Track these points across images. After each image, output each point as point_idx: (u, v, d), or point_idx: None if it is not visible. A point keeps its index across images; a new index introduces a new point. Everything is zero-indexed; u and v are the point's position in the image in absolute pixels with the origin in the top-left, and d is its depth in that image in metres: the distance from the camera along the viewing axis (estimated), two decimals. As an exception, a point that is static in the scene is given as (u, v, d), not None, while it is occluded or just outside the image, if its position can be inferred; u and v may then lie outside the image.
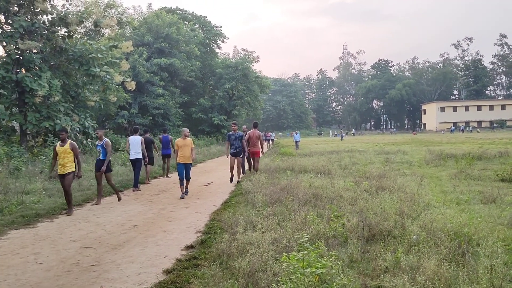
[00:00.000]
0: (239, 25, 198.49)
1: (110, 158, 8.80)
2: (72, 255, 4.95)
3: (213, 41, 42.63)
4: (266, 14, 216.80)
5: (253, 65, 38.16)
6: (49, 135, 14.89)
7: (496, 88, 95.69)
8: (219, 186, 10.85)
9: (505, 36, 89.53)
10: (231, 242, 4.76)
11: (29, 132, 15.25)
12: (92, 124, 17.21)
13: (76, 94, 16.86)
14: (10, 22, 14.29)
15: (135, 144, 10.60)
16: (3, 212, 7.20)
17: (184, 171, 9.10)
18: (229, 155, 11.11)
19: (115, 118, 27.84)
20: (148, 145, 11.58)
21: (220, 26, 43.31)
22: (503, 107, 74.92)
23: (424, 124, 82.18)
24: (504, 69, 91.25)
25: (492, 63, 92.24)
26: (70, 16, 15.38)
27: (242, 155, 11.44)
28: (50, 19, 15.37)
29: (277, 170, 12.08)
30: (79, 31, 18.85)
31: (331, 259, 3.52)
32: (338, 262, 3.58)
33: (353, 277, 3.73)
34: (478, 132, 57.04)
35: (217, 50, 44.17)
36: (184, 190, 9.19)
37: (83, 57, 15.33)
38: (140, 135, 11.73)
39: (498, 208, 6.52)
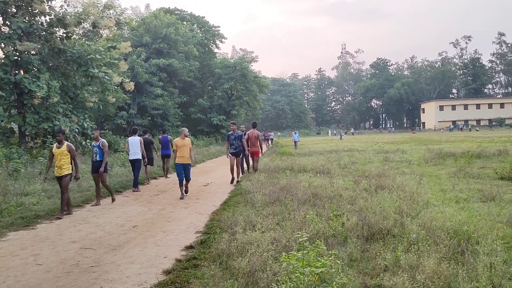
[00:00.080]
0: (238, 25, 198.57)
1: (107, 159, 8.78)
2: (72, 256, 4.95)
3: (211, 41, 42.63)
4: (264, 14, 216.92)
5: (251, 65, 38.17)
6: (48, 136, 14.87)
7: (494, 87, 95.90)
8: (218, 186, 10.85)
9: (504, 35, 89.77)
10: (230, 242, 4.76)
11: (28, 134, 15.23)
12: (91, 125, 17.19)
13: (75, 95, 16.83)
14: (8, 23, 14.27)
15: (134, 145, 10.61)
16: (2, 213, 7.19)
17: (183, 171, 9.05)
18: (229, 155, 11.09)
19: (114, 119, 27.82)
20: (147, 146, 11.59)
21: (219, 26, 43.33)
22: (502, 105, 75.03)
23: (423, 123, 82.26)
24: (502, 68, 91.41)
25: (491, 61, 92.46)
26: (68, 17, 15.35)
27: (242, 154, 11.44)
28: (48, 20, 15.34)
29: (276, 170, 12.09)
30: (77, 32, 18.81)
31: (330, 258, 3.52)
32: (338, 261, 3.58)
33: (353, 276, 3.73)
34: (477, 130, 57.14)
35: (216, 50, 44.22)
36: (183, 191, 9.17)
37: (81, 58, 15.31)
38: (140, 135, 11.74)
39: (497, 206, 6.53)
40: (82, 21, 16.26)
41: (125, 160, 14.11)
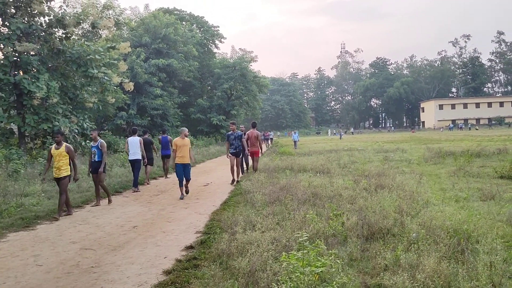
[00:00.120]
0: (237, 25, 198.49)
1: (106, 160, 8.76)
2: (72, 257, 4.95)
3: (210, 41, 42.63)
4: (264, 14, 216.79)
5: (251, 65, 38.18)
6: (48, 137, 14.87)
7: (494, 85, 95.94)
8: (218, 186, 10.85)
9: (503, 33, 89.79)
10: (230, 242, 4.76)
11: (27, 134, 15.22)
12: (91, 126, 17.18)
13: (74, 95, 16.83)
14: (7, 24, 14.26)
15: (134, 145, 10.62)
16: (2, 214, 7.19)
17: (183, 171, 9.03)
18: (229, 155, 11.05)
19: (113, 119, 27.82)
20: (147, 146, 11.60)
21: (218, 26, 43.34)
22: (501, 104, 75.04)
23: (423, 122, 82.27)
24: (502, 66, 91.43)
25: (490, 60, 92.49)
26: (68, 17, 15.33)
27: (242, 154, 11.42)
28: (48, 21, 15.33)
29: (276, 170, 12.10)
30: (76, 32, 18.83)
31: (330, 258, 3.52)
32: (338, 261, 3.59)
33: (353, 276, 3.73)
34: (476, 129, 57.16)
35: (215, 50, 44.26)
36: (183, 191, 9.16)
37: (81, 58, 15.30)
38: (139, 136, 11.75)
39: (497, 205, 6.53)
40: (81, 21, 16.24)
41: (125, 161, 14.11)
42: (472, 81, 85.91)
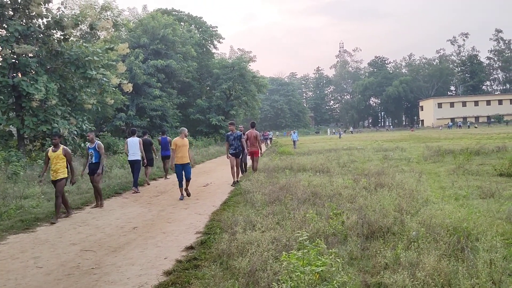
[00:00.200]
0: (236, 25, 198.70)
1: (105, 161, 8.73)
2: (72, 259, 4.95)
3: (209, 42, 42.62)
4: (263, 13, 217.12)
5: (250, 65, 38.18)
6: (47, 139, 14.85)
7: (492, 83, 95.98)
8: (218, 187, 10.84)
9: (501, 31, 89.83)
10: (231, 242, 4.77)
11: (26, 137, 15.20)
12: (90, 127, 17.18)
13: (73, 97, 16.81)
14: (5, 26, 14.23)
15: (134, 146, 10.63)
16: (2, 216, 7.18)
17: (183, 171, 8.99)
18: (229, 155, 10.98)
19: (112, 121, 27.80)
20: (147, 147, 11.60)
21: (216, 27, 43.33)
22: (500, 102, 75.13)
23: (422, 121, 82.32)
24: (500, 64, 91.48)
25: (488, 58, 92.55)
26: (66, 19, 15.32)
27: (242, 155, 11.39)
28: (46, 23, 15.31)
29: (275, 169, 12.10)
30: (74, 34, 18.79)
31: (331, 257, 3.52)
32: (338, 260, 3.59)
33: (353, 274, 3.73)
34: (475, 127, 57.20)
35: (214, 50, 44.23)
36: (183, 191, 9.12)
37: (79, 60, 15.29)
38: (139, 136, 11.76)
39: (497, 202, 6.54)
40: (79, 23, 16.22)
41: (125, 162, 14.10)
42: (470, 79, 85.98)
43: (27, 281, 4.24)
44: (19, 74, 14.69)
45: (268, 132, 40.80)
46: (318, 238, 4.42)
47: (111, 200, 9.30)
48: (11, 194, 8.89)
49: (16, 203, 8.05)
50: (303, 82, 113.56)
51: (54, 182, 7.33)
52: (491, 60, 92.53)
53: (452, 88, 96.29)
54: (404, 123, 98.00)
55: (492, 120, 69.57)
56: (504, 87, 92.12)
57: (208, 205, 8.16)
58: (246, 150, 11.39)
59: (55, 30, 15.52)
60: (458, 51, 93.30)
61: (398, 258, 3.95)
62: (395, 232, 4.91)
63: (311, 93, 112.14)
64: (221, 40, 43.01)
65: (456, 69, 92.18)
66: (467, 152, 13.94)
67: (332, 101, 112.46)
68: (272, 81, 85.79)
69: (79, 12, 17.31)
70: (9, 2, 14.34)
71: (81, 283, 4.13)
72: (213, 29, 42.74)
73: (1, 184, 9.69)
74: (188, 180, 9.12)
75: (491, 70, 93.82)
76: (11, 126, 15.09)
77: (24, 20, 14.77)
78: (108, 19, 20.88)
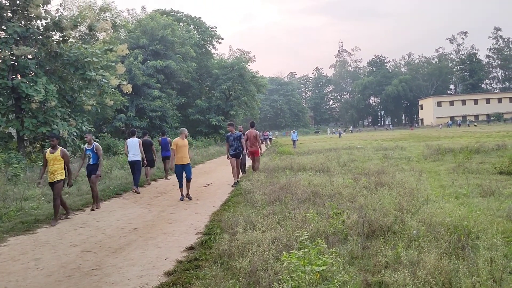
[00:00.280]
0: (236, 25, 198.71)
1: (103, 162, 8.71)
2: (73, 260, 4.95)
3: (208, 42, 42.62)
4: (263, 13, 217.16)
5: (249, 65, 38.20)
6: (47, 140, 14.84)
7: (492, 82, 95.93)
8: (218, 187, 10.84)
9: (500, 29, 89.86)
10: (231, 242, 4.77)
11: (26, 138, 15.20)
12: (90, 129, 17.17)
13: (73, 98, 16.80)
14: (4, 28, 14.23)
15: (133, 147, 10.63)
16: (2, 219, 7.18)
17: (184, 172, 8.96)
18: (229, 156, 10.92)
19: (112, 122, 27.79)
20: (147, 147, 11.61)
21: (215, 27, 43.33)
22: (500, 100, 75.12)
23: (422, 120, 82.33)
24: (499, 62, 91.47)
25: (488, 56, 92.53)
26: (64, 20, 15.31)
27: (242, 155, 11.37)
28: (44, 24, 15.31)
29: (275, 169, 12.09)
30: (73, 35, 18.76)
31: (331, 256, 3.52)
32: (339, 259, 3.59)
33: (354, 274, 3.74)
34: (475, 125, 57.22)
35: (213, 51, 44.22)
36: (183, 192, 9.10)
37: (78, 61, 15.28)
38: (139, 137, 11.78)
39: (497, 200, 6.55)
40: (78, 24, 16.22)
41: (124, 163, 14.10)
42: (470, 78, 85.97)
43: (28, 283, 4.24)
44: (18, 76, 14.69)
45: (268, 132, 40.79)
46: (318, 237, 4.42)
47: (112, 201, 9.30)
48: (11, 196, 8.88)
49: (17, 205, 8.05)
50: (303, 81, 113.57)
51: (52, 184, 7.22)
52: (490, 58, 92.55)
53: (452, 86, 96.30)
54: (403, 122, 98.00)
55: (491, 118, 69.58)
56: (504, 85, 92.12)
57: (209, 205, 8.16)
58: (245, 151, 11.35)
59: (54, 31, 15.51)
60: (457, 49, 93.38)
61: (398, 257, 3.95)
62: (395, 231, 4.91)
63: (310, 92, 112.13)
64: (220, 40, 43.04)
65: (456, 67, 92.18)
66: (467, 151, 13.95)
67: (331, 101, 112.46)
68: (272, 81, 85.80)
69: (78, 13, 17.30)
70: (7, 4, 14.34)
71: (82, 285, 4.13)
72: (212, 29, 42.75)
73: (1, 186, 9.69)
74: (188, 180, 9.03)
75: (490, 69, 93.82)
76: (10, 128, 15.09)
77: (23, 22, 14.76)
78: (107, 20, 20.83)
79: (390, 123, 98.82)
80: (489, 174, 9.56)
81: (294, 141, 28.18)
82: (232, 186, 10.64)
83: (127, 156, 10.89)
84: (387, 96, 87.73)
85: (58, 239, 6.00)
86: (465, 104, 75.68)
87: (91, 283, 4.16)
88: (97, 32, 18.96)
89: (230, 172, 11.20)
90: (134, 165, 10.62)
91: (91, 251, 5.30)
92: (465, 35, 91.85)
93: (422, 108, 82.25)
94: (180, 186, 9.06)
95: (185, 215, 7.32)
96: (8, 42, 13.84)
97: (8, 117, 15.01)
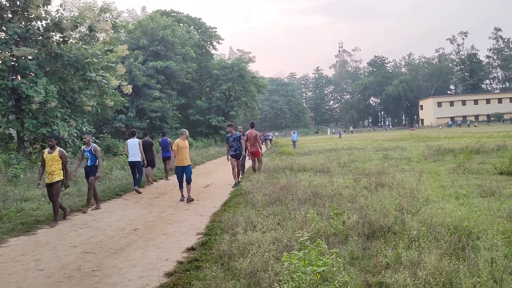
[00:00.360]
0: (236, 25, 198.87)
1: (102, 163, 8.69)
2: (73, 261, 4.94)
3: (208, 43, 42.65)
4: (263, 13, 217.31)
5: (249, 66, 38.21)
6: (47, 141, 14.83)
7: (492, 82, 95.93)
8: (218, 188, 10.84)
9: (500, 30, 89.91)
10: (232, 243, 4.76)
11: (26, 139, 15.20)
12: (90, 129, 17.17)
13: (73, 99, 16.81)
14: (4, 29, 14.25)
15: (134, 147, 10.65)
16: (2, 219, 7.18)
17: (183, 173, 8.93)
18: (229, 157, 10.88)
19: (112, 123, 27.80)
20: (148, 148, 11.61)
21: (215, 28, 43.40)
22: (500, 100, 75.12)
23: (422, 120, 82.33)
24: (499, 63, 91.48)
25: (488, 57, 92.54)
26: (65, 21, 15.32)
27: (242, 156, 11.35)
28: (45, 25, 15.31)
29: (276, 170, 12.09)
30: (74, 36, 18.78)
31: (332, 257, 3.52)
32: (339, 260, 3.59)
33: (355, 274, 3.74)
34: (475, 126, 57.21)
35: (213, 51, 44.28)
36: (183, 193, 9.08)
37: (78, 62, 15.29)
38: (140, 138, 11.78)
39: (497, 201, 6.54)
40: (78, 25, 16.23)
41: (125, 163, 14.10)
42: (470, 78, 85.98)
43: (28, 284, 4.24)
44: (19, 77, 14.69)
45: (268, 133, 40.80)
46: (319, 238, 4.42)
47: (112, 202, 9.30)
48: (12, 196, 8.88)
49: (17, 206, 8.05)
50: (303, 82, 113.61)
51: (50, 185, 7.12)
52: (491, 58, 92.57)
53: (452, 87, 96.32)
54: (404, 123, 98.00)
55: (492, 118, 69.57)
56: (504, 86, 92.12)
57: (209, 206, 8.16)
58: (244, 152, 11.30)
59: (54, 32, 15.52)
60: (457, 50, 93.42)
61: (399, 257, 3.95)
62: (396, 232, 4.91)
63: (310, 93, 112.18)
64: (220, 41, 43.08)
65: (456, 68, 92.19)
66: (467, 151, 13.95)
67: (331, 101, 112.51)
68: (272, 81, 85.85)
69: (78, 14, 17.32)
70: (8, 4, 14.35)
71: (82, 285, 4.13)
72: (212, 30, 42.78)
73: (2, 187, 9.68)
74: (188, 182, 8.88)
75: (491, 69, 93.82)
76: (11, 128, 15.10)
77: (23, 23, 14.77)
78: (107, 21, 20.83)
79: (390, 123, 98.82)
80: (490, 175, 9.55)
81: (294, 142, 28.18)
82: (232, 187, 10.62)
83: (127, 157, 10.90)
84: (387, 96, 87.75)
85: (58, 240, 6.00)
86: (465, 105, 75.69)
87: (91, 284, 4.16)
88: (97, 32, 18.98)
89: (230, 172, 11.18)
90: (134, 166, 10.63)
91: (91, 252, 5.30)
92: (465, 36, 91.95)
93: (422, 109, 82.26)
94: (180, 187, 9.06)
95: (185, 216, 7.32)
96: (8, 43, 13.85)
97: (8, 118, 15.01)
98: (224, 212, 7.13)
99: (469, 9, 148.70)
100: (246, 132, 11.80)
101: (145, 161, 11.18)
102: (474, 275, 3.40)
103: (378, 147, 21.04)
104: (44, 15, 15.05)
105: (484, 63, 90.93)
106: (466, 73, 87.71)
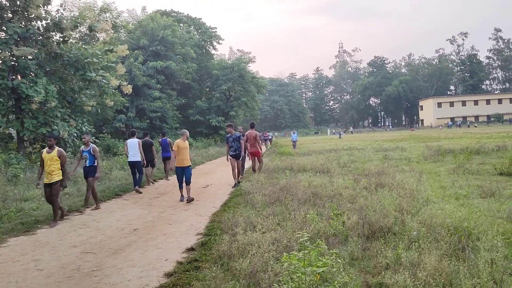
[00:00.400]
0: (236, 25, 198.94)
1: (101, 164, 8.69)
2: (73, 261, 4.94)
3: (208, 43, 42.66)
4: (263, 14, 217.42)
5: (249, 66, 38.21)
6: (46, 141, 14.84)
7: (492, 83, 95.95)
8: (218, 188, 10.83)
9: (500, 30, 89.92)
10: (231, 243, 4.76)
11: (26, 139, 15.19)
12: (90, 129, 17.15)
13: (73, 99, 16.80)
14: (4, 28, 14.24)
15: (133, 147, 10.65)
16: (2, 219, 7.17)
17: (183, 174, 8.88)
18: (229, 158, 10.87)
19: (112, 123, 27.79)
20: (148, 148, 11.61)
21: (215, 28, 43.38)
22: (500, 101, 75.15)
23: (422, 120, 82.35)
24: (499, 64, 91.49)
25: (488, 57, 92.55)
26: (65, 21, 15.31)
27: (241, 156, 11.35)
28: (45, 25, 15.31)
29: (276, 170, 12.09)
30: (74, 36, 18.77)
31: (332, 258, 3.52)
32: (339, 260, 3.59)
33: (354, 275, 3.73)
34: (475, 126, 57.22)
35: (213, 51, 44.27)
36: (183, 193, 9.07)
37: (78, 62, 15.28)
38: (140, 138, 11.77)
39: (497, 202, 6.54)
40: (78, 25, 16.22)
41: (124, 163, 14.10)
42: (470, 79, 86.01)
43: (28, 284, 4.24)
44: (19, 77, 14.69)
45: (268, 133, 40.79)
46: (319, 238, 4.42)
47: (111, 202, 9.30)
48: (11, 196, 8.88)
49: (16, 206, 8.05)
50: (303, 82, 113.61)
51: (48, 186, 7.08)
52: (491, 59, 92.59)
53: (452, 87, 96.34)
54: (404, 123, 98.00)
55: (492, 119, 69.58)
56: (504, 86, 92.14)
57: (209, 206, 8.15)
58: (243, 153, 11.30)
59: (54, 32, 15.52)
60: (457, 50, 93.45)
61: (399, 258, 3.95)
62: (396, 232, 4.91)
63: (310, 93, 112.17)
64: (220, 41, 43.08)
65: (456, 68, 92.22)
66: (467, 152, 13.94)
67: (331, 101, 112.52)
68: (272, 81, 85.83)
69: (78, 14, 17.31)
70: (8, 4, 14.35)
71: (81, 285, 4.12)
72: (212, 30, 42.78)
73: (1, 187, 9.68)
74: (187, 184, 8.81)
75: (491, 69, 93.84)
76: (10, 128, 15.09)
77: (23, 23, 14.76)
78: (107, 20, 20.83)
79: (390, 124, 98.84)
80: (489, 175, 9.55)
81: (294, 142, 28.18)
82: (232, 187, 10.61)
83: (127, 157, 10.90)
84: (387, 97, 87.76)
85: (58, 240, 5.99)
86: (465, 105, 75.71)
87: (91, 284, 4.16)
88: (97, 32, 18.98)
89: (230, 173, 11.18)
90: (134, 166, 10.63)
91: (91, 252, 5.30)
92: (465, 36, 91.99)
93: (422, 109, 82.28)
94: (180, 187, 9.05)
95: (185, 216, 7.32)
96: (8, 43, 13.84)
97: (8, 117, 15.00)
98: (223, 213, 7.12)
99: (469, 9, 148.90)
100: (246, 133, 11.79)
101: (145, 161, 11.18)
102: (474, 276, 3.40)
103: (378, 148, 21.04)
104: (44, 15, 15.05)
105: (484, 63, 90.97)
106: (466, 74, 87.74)
